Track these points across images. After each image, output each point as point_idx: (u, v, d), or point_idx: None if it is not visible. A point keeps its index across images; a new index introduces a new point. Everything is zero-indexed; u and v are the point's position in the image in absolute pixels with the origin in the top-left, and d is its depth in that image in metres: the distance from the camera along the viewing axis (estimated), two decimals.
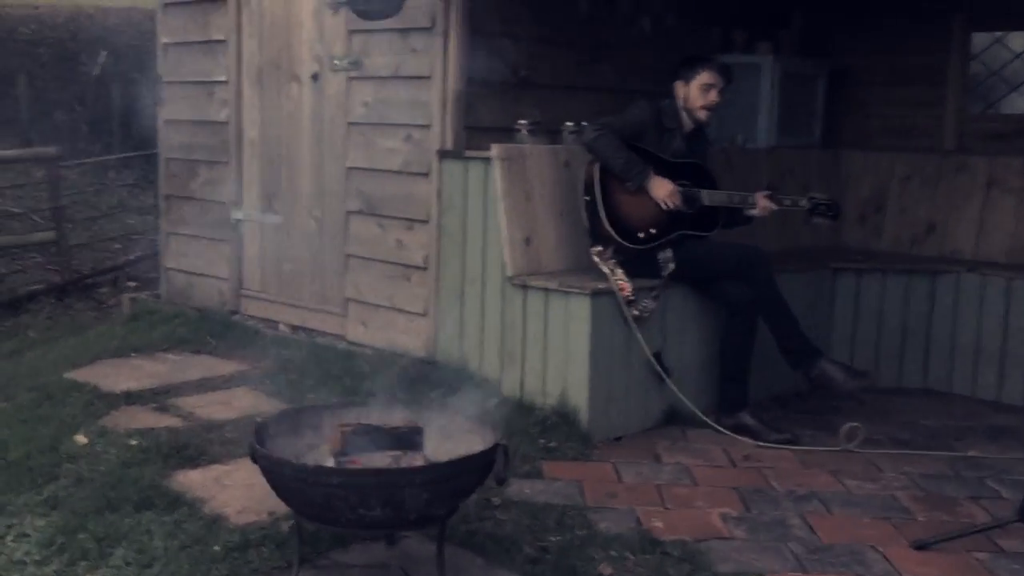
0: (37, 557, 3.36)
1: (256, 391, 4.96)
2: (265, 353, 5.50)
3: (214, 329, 5.89)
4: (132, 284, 8.34)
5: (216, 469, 3.99)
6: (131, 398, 4.77)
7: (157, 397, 4.81)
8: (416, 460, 3.14)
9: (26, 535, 3.50)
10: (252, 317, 6.06)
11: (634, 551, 3.45)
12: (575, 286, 4.57)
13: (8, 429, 4.34)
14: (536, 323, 4.69)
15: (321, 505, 2.93)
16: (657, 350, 4.77)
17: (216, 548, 3.36)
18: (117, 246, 9.72)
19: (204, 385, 5.03)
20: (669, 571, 3.32)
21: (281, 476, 2.96)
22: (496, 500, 3.80)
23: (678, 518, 3.76)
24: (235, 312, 6.15)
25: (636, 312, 4.65)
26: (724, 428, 4.73)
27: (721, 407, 4.85)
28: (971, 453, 4.67)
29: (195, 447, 4.19)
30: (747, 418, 4.77)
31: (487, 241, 4.90)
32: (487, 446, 3.10)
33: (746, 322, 4.78)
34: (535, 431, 4.51)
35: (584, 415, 4.54)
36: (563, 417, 4.57)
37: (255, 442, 3.07)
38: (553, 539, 3.53)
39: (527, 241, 4.83)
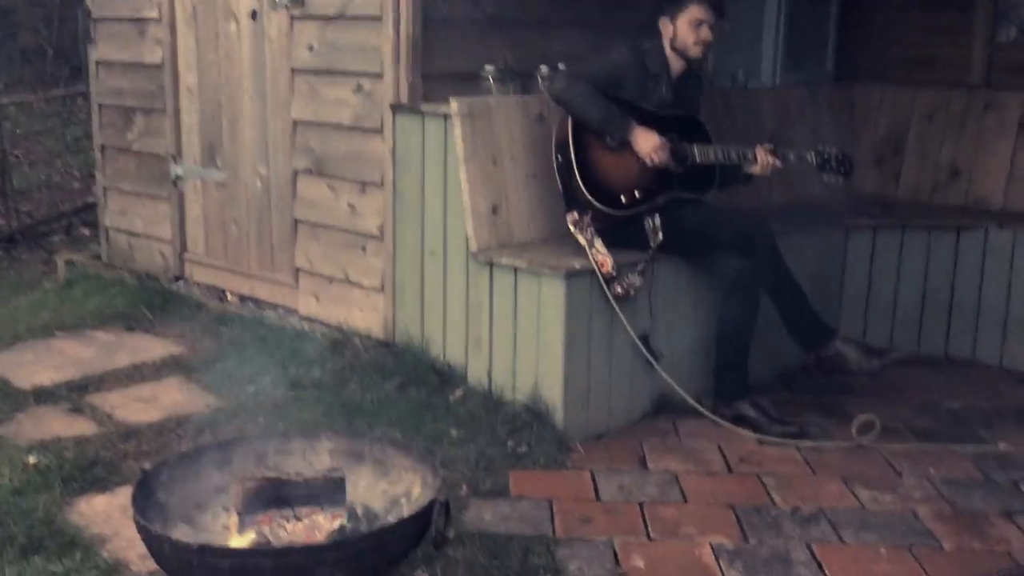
0: None
1: (189, 383, 4.38)
2: (206, 331, 4.91)
3: (153, 300, 5.28)
4: (87, 233, 7.70)
5: (125, 493, 3.37)
6: (42, 396, 4.18)
7: (73, 394, 4.22)
8: (334, 520, 2.56)
9: None
10: (198, 284, 5.45)
11: None
12: (548, 265, 3.94)
13: None
14: (504, 305, 4.08)
15: None
16: (644, 332, 4.17)
17: None
18: (76, 186, 9.07)
19: (131, 375, 4.45)
20: None
21: (162, 554, 2.38)
22: (450, 533, 3.22)
23: (663, 554, 3.19)
24: (179, 278, 5.54)
25: (619, 290, 4.03)
26: (721, 419, 4.15)
27: (718, 395, 4.26)
28: (1001, 447, 4.09)
29: (105, 464, 3.62)
30: (747, 408, 4.19)
31: (448, 209, 4.26)
32: (423, 504, 2.52)
33: (747, 299, 4.16)
34: (503, 432, 3.93)
35: (559, 413, 3.96)
36: (535, 415, 3.98)
37: (136, 502, 2.49)
38: None
39: (494, 210, 4.18)
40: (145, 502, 2.56)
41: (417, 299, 4.43)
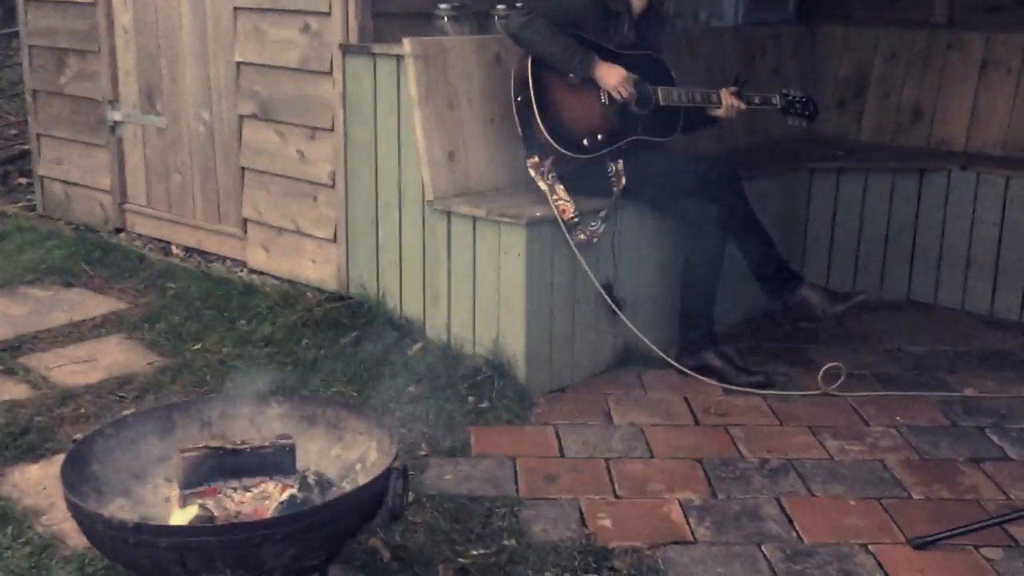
0: None
1: (131, 340, 4.17)
2: (150, 286, 4.69)
3: (92, 254, 5.04)
4: (24, 182, 7.36)
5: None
6: None
7: (5, 355, 4.00)
8: (284, 491, 2.39)
9: None
10: (141, 236, 5.22)
11: (574, 569, 2.76)
12: (508, 213, 3.76)
13: None
14: (463, 256, 3.90)
15: (151, 569, 2.20)
16: (607, 281, 4.02)
17: None
18: (13, 132, 8.69)
19: (69, 334, 4.22)
20: None
21: (94, 532, 2.21)
22: (408, 496, 3.08)
23: (630, 512, 3.07)
24: (120, 230, 5.30)
25: (581, 237, 3.88)
26: (687, 369, 4.03)
27: (683, 345, 4.14)
28: (967, 392, 4.02)
29: (40, 430, 3.42)
30: (713, 358, 4.07)
31: (403, 155, 4.06)
32: (378, 471, 2.36)
33: (712, 246, 4.02)
34: (464, 387, 3.78)
35: (521, 366, 3.81)
36: (497, 369, 3.83)
37: (65, 476, 2.31)
38: (476, 553, 2.83)
39: (450, 156, 3.99)
40: (77, 475, 2.37)
41: (372, 250, 4.25)
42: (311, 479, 2.46)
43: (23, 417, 3.48)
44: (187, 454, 2.39)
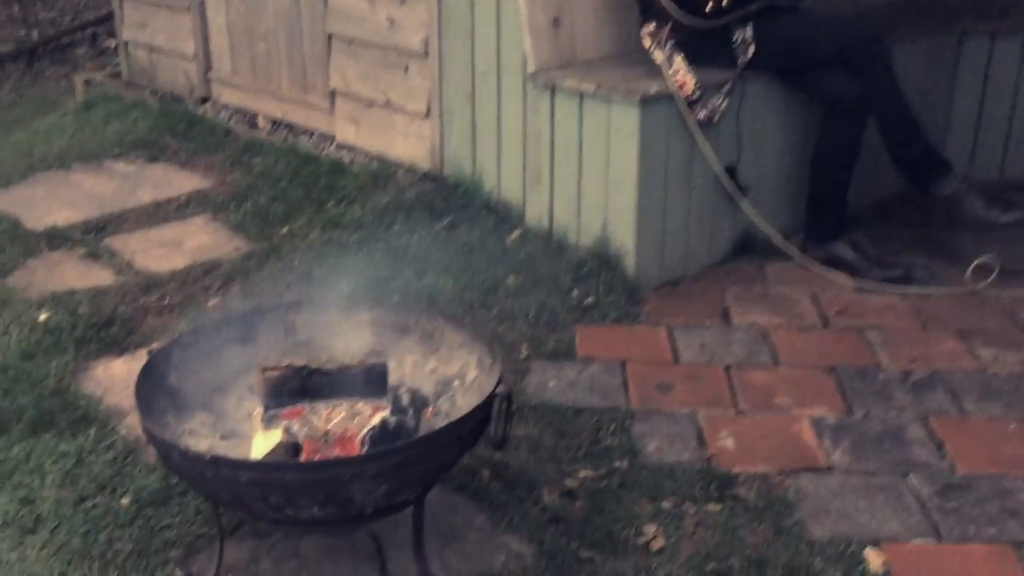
0: None
1: (216, 222, 3.95)
2: (235, 162, 4.44)
3: (177, 125, 4.80)
4: (112, 44, 7.14)
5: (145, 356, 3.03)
6: (56, 239, 3.79)
7: (89, 237, 3.82)
8: (375, 414, 2.14)
9: None
10: (226, 107, 4.95)
11: (695, 498, 2.49)
12: (619, 88, 3.37)
13: None
14: (568, 136, 3.54)
15: (231, 501, 1.99)
16: (729, 163, 3.62)
17: (124, 502, 2.47)
18: None
19: (154, 214, 4.02)
20: (741, 535, 2.37)
21: (171, 461, 2.00)
22: (512, 424, 2.83)
23: (755, 431, 2.77)
24: (206, 99, 5.04)
25: (702, 114, 3.48)
26: (814, 262, 3.65)
27: (810, 234, 3.75)
28: None
29: (123, 321, 3.24)
30: (844, 249, 3.68)
31: (502, 21, 3.66)
32: (479, 393, 2.09)
33: (852, 125, 3.57)
34: (567, 280, 3.47)
35: (631, 258, 3.48)
36: (603, 261, 3.51)
37: (140, 393, 2.09)
38: (583, 474, 2.58)
39: (555, 23, 3.58)
40: (153, 390, 2.16)
41: (468, 127, 3.91)
42: (404, 399, 2.20)
43: (107, 306, 3.31)
44: (268, 373, 2.15)
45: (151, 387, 2.18)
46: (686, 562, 2.28)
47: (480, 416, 2.03)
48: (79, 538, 2.36)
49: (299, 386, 2.16)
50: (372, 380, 2.19)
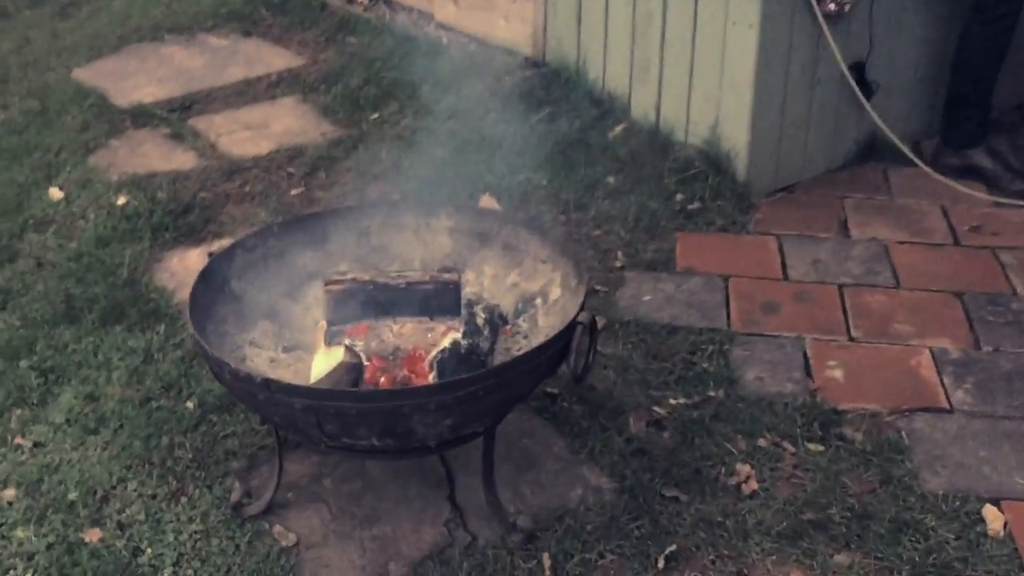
0: None
1: (306, 104, 3.77)
2: (329, 39, 4.23)
3: None
4: None
5: (224, 245, 2.91)
6: (141, 116, 3.67)
7: (175, 115, 3.69)
8: (446, 335, 1.96)
9: None
10: None
11: (795, 436, 2.27)
12: None
13: None
14: (681, 24, 3.22)
15: (285, 425, 1.85)
16: (858, 60, 3.27)
17: (189, 406, 2.38)
18: None
19: (242, 93, 3.86)
20: (844, 481, 2.15)
21: (221, 376, 1.86)
22: (600, 322, 2.63)
23: (868, 362, 2.51)
24: None
25: (831, 6, 3.12)
26: (947, 171, 3.31)
27: (946, 139, 3.39)
28: None
29: (202, 209, 3.12)
30: (982, 157, 3.32)
31: None
32: (560, 319, 1.89)
33: (1001, 20, 3.17)
34: (671, 182, 3.22)
35: (742, 161, 3.19)
36: (712, 163, 3.23)
37: (195, 301, 1.95)
38: (674, 402, 2.37)
39: None
40: (212, 296, 2.02)
41: (573, 10, 3.60)
42: (480, 318, 2.02)
43: (186, 192, 3.19)
44: (332, 287, 1.98)
45: (210, 293, 2.04)
46: (780, 509, 2.08)
47: (559, 346, 1.83)
48: (140, 442, 2.28)
49: (365, 302, 1.99)
50: (444, 298, 2.00)
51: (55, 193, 3.17)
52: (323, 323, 2.04)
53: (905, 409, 2.35)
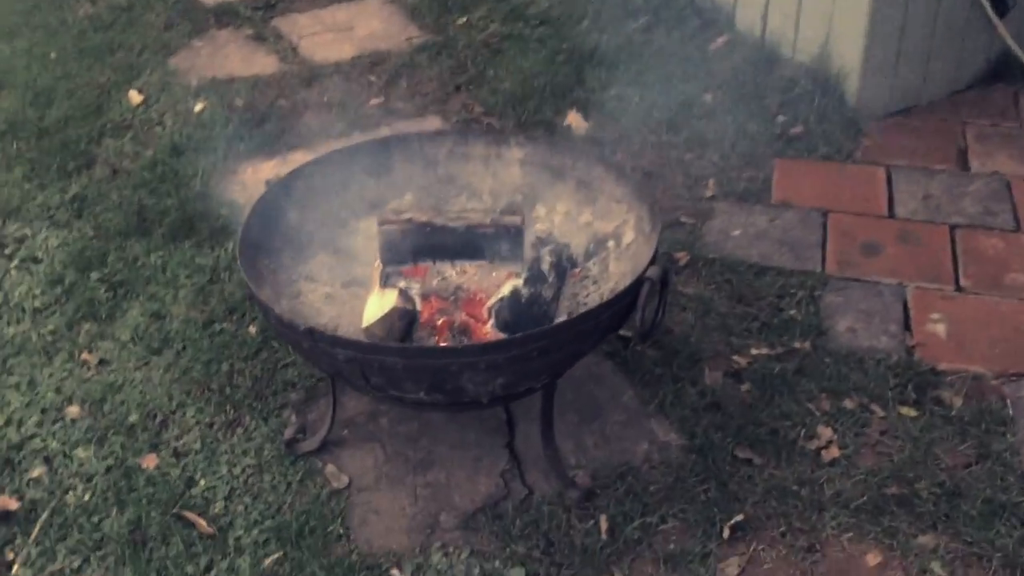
0: (37, 304, 2.45)
1: (392, 5, 3.60)
2: None
3: None
4: None
5: (297, 162, 2.82)
6: (225, 16, 3.56)
7: (259, 15, 3.57)
8: (507, 281, 1.84)
9: (36, 260, 2.58)
10: None
11: (886, 398, 2.09)
12: None
13: (60, 69, 3.29)
14: None
15: (332, 373, 1.77)
16: None
17: (251, 331, 2.32)
18: None
19: None
20: (936, 452, 1.97)
21: (268, 318, 1.78)
22: (682, 258, 2.47)
23: (976, 317, 2.30)
24: None
25: None
26: None
27: None
28: None
29: (279, 118, 3.02)
30: None
31: None
32: (634, 271, 1.75)
33: None
34: (773, 103, 2.99)
35: (854, 80, 2.93)
36: (820, 82, 2.98)
37: (245, 234, 1.87)
38: (756, 352, 2.21)
39: None
40: (267, 228, 1.93)
41: None
42: (545, 261, 1.89)
43: (264, 100, 3.10)
44: (387, 227, 1.87)
45: (266, 224, 1.95)
46: (862, 480, 1.92)
47: (624, 302, 1.69)
48: (201, 366, 2.24)
49: (421, 243, 1.88)
50: (506, 242, 1.87)
51: (135, 96, 3.11)
52: (378, 263, 1.93)
53: (1013, 373, 2.15)
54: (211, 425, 2.12)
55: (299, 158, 2.80)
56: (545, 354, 1.63)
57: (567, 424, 2.04)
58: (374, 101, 3.09)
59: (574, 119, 2.99)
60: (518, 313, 1.80)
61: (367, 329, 1.81)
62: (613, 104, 3.02)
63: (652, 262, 1.73)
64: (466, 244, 1.87)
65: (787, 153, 2.85)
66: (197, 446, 2.08)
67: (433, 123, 3.00)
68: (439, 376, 1.63)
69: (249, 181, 2.79)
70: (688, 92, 3.04)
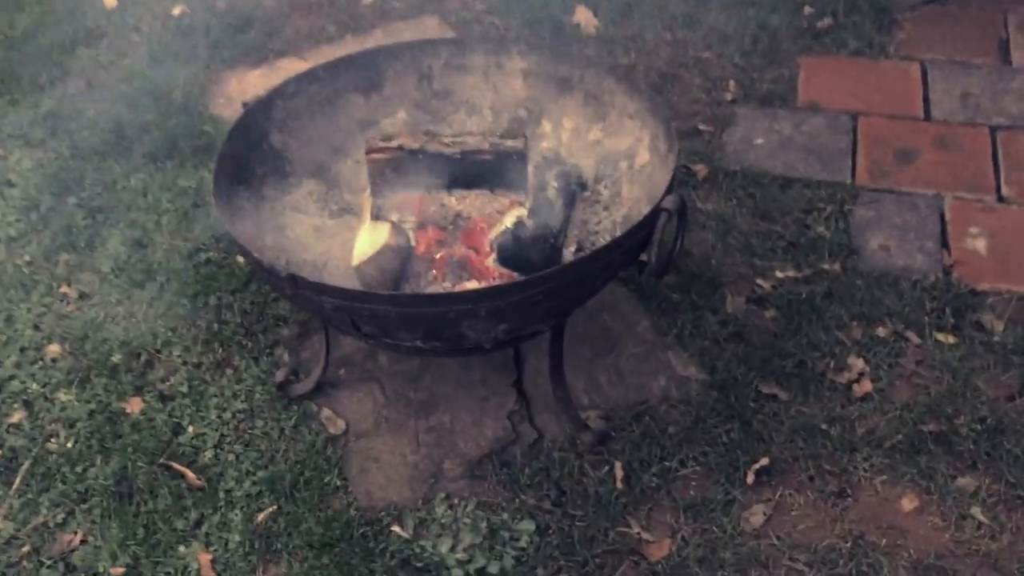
0: (12, 232, 2.31)
1: None
2: None
3: None
4: None
5: (286, 70, 2.62)
6: None
7: None
8: (510, 211, 1.67)
9: (9, 183, 2.42)
10: None
11: (920, 324, 1.93)
12: None
13: None
14: None
15: (323, 319, 1.62)
16: None
17: (240, 259, 2.17)
18: None
19: None
20: (977, 383, 1.83)
21: (252, 263, 1.62)
22: (701, 172, 2.29)
23: (1019, 230, 2.13)
24: None
25: None
26: None
27: None
28: None
29: (263, 23, 2.81)
30: None
31: None
32: (649, 198, 1.58)
33: None
34: None
35: None
36: None
37: (221, 165, 1.70)
38: (781, 275, 2.05)
39: None
40: (247, 155, 1.76)
41: None
42: (552, 188, 1.71)
43: (247, 2, 2.87)
44: (375, 155, 1.69)
45: (246, 150, 1.78)
46: (897, 417, 1.79)
47: (638, 237, 1.52)
48: (187, 300, 2.10)
49: (414, 172, 1.70)
50: (507, 169, 1.69)
51: (109, 0, 2.89)
52: (368, 194, 1.76)
53: None
54: (198, 365, 1.99)
55: (287, 66, 2.62)
56: (552, 297, 1.48)
57: (579, 359, 1.90)
58: (367, 0, 2.87)
59: (583, 15, 2.77)
60: (523, 247, 1.64)
61: (358, 268, 1.65)
62: None
63: (669, 190, 1.55)
64: (463, 172, 1.70)
65: (814, 49, 2.63)
66: (184, 388, 1.95)
67: (431, 24, 2.78)
68: (436, 324, 1.48)
69: (234, 93, 2.60)
70: None
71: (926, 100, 2.48)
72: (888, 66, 2.59)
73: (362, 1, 2.86)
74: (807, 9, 2.73)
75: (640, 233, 1.51)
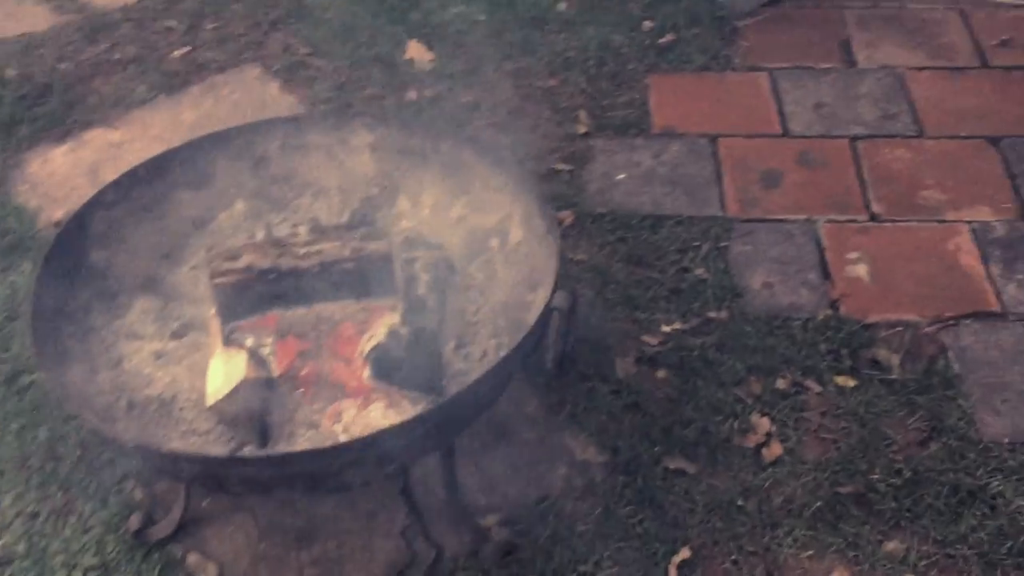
0: None
1: None
2: None
3: None
4: None
5: (93, 141, 2.35)
6: None
7: None
8: (381, 322, 1.48)
9: None
10: None
11: (818, 370, 1.85)
12: None
13: None
14: None
15: (187, 483, 1.40)
16: None
17: None
18: None
19: None
20: (885, 432, 1.76)
21: (92, 432, 1.38)
22: (567, 219, 2.15)
23: (895, 249, 2.08)
24: None
25: None
26: None
27: None
28: None
29: (64, 90, 2.50)
30: None
31: None
32: (529, 275, 1.43)
33: None
34: (637, 6, 2.67)
35: None
36: None
37: (37, 296, 1.45)
38: (667, 329, 1.93)
39: None
40: (66, 283, 1.51)
41: None
42: (422, 286, 1.53)
43: (42, 66, 2.56)
44: (220, 280, 1.47)
45: (63, 277, 1.53)
46: (811, 480, 1.69)
47: (527, 347, 1.36)
48: (13, 437, 1.82)
49: (267, 293, 1.49)
50: (373, 275, 1.50)
51: None
52: (216, 320, 1.54)
53: (948, 317, 1.94)
54: (35, 515, 1.73)
55: (96, 138, 2.35)
56: (442, 427, 1.30)
57: (468, 453, 1.73)
58: (177, 52, 2.60)
59: (416, 50, 2.58)
60: (399, 359, 1.46)
61: (214, 407, 1.43)
62: (457, 26, 2.63)
63: (556, 288, 1.40)
64: (322, 285, 1.50)
65: (660, 67, 2.53)
66: (21, 548, 1.68)
67: (252, 74, 2.54)
68: (318, 477, 1.28)
69: (38, 176, 2.30)
70: (541, 5, 2.67)
71: (781, 114, 2.41)
72: (736, 79, 2.51)
73: (171, 54, 2.59)
74: (647, 24, 2.63)
75: (530, 342, 1.35)
